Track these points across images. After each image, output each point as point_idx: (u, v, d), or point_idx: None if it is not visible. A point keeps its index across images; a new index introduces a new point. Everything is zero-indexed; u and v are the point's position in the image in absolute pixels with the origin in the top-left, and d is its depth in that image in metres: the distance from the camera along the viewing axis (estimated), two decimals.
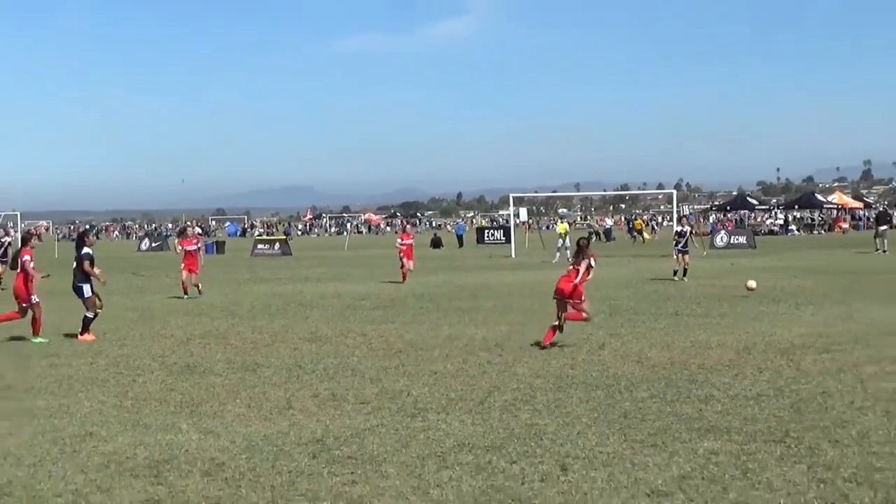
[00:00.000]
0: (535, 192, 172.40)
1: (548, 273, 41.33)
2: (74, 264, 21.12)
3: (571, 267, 19.31)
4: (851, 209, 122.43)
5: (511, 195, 76.32)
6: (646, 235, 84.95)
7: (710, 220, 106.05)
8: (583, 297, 18.92)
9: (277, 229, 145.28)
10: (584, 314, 18.83)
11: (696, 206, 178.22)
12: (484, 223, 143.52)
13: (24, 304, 20.91)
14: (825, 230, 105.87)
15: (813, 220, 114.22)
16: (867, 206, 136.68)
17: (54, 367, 17.20)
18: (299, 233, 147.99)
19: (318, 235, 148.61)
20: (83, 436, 11.76)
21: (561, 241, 52.77)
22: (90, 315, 21.05)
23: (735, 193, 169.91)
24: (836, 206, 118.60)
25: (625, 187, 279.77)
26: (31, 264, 20.97)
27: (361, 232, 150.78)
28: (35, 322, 20.82)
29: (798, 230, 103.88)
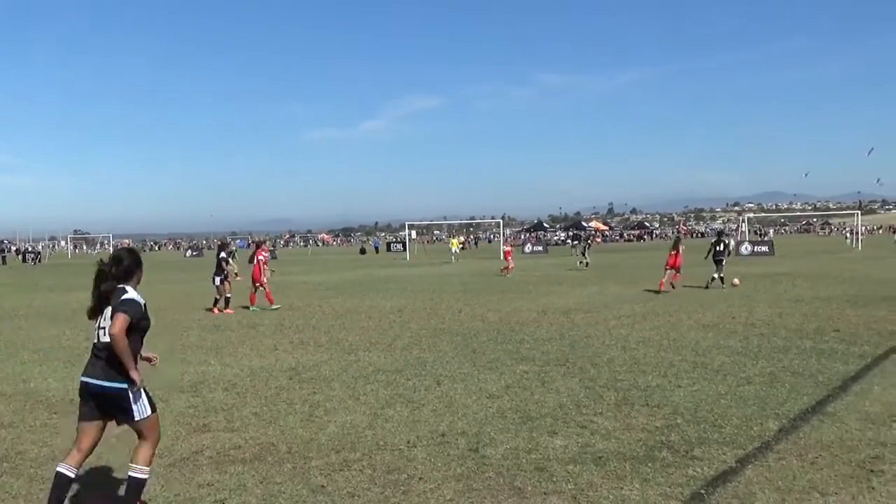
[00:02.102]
0: (421, 220, 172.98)
1: (430, 269, 41.31)
2: (216, 263, 20.36)
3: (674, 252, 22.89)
4: (602, 230, 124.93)
5: (407, 222, 76.57)
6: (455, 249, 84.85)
7: (522, 237, 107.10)
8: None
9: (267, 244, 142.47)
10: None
11: (513, 229, 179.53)
12: (390, 239, 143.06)
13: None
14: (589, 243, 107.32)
15: (581, 237, 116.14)
16: (611, 228, 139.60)
17: None
18: (281, 245, 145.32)
19: (292, 247, 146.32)
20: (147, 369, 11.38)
21: (455, 250, 54.91)
22: (219, 297, 19.86)
23: (536, 221, 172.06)
24: (593, 230, 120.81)
25: (472, 217, 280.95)
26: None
27: (318, 245, 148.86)
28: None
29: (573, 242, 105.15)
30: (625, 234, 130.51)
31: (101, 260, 5.62)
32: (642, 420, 7.80)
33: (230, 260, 21.22)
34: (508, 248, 36.49)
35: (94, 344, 5.48)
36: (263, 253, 21.33)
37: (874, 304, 17.25)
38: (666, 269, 23.15)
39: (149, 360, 5.76)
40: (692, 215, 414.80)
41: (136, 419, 5.43)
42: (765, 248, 49.54)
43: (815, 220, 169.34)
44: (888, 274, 27.25)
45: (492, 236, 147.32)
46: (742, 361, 10.74)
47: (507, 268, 33.47)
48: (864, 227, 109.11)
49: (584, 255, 39.64)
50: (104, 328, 5.43)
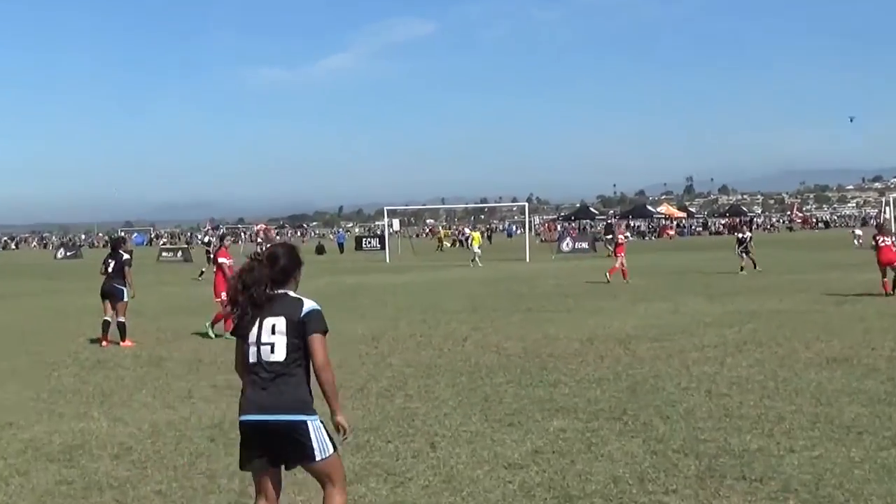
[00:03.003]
0: (406, 205, 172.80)
1: (417, 275, 41.39)
2: (109, 269, 19.60)
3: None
4: (677, 218, 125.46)
5: (386, 208, 76.58)
6: (445, 244, 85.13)
7: (558, 229, 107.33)
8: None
9: (180, 239, 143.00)
10: None
11: (544, 217, 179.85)
12: (362, 232, 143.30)
13: None
14: (655, 236, 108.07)
15: (644, 228, 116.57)
16: (690, 215, 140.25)
17: None
18: (199, 242, 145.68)
19: (217, 243, 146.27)
20: (3, 426, 11.40)
21: (477, 249, 52.66)
22: (123, 320, 19.32)
23: (578, 206, 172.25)
24: (664, 216, 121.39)
25: (483, 200, 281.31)
26: None
27: (255, 241, 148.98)
28: None
29: (631, 236, 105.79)
30: (711, 224, 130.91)
31: (251, 257, 6.32)
32: (737, 500, 7.81)
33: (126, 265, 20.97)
34: (621, 239, 37.57)
35: (254, 364, 6.14)
36: (223, 256, 21.10)
37: None
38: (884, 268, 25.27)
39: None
40: (811, 196, 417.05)
41: (318, 459, 6.05)
42: None
43: None
44: None
45: (513, 227, 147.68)
46: (887, 413, 10.75)
47: (619, 269, 34.34)
48: None
49: (612, 252, 41.38)
50: (272, 344, 6.08)
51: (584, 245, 69.01)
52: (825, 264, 40.62)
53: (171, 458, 9.73)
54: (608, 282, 32.95)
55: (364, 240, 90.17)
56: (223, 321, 19.81)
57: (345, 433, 6.27)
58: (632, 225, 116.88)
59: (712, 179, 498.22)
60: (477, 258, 50.28)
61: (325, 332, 6.14)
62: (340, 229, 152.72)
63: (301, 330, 6.10)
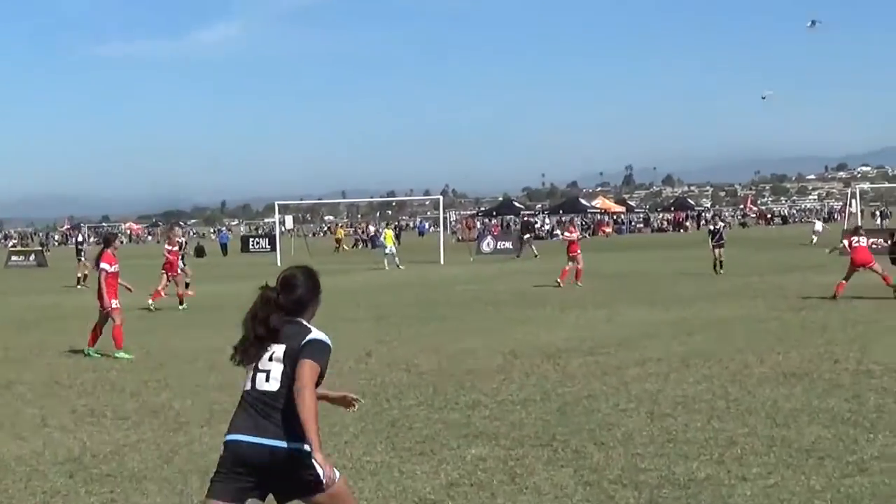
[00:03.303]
0: (301, 199, 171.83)
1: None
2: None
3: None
4: (614, 213, 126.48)
5: (276, 202, 75.83)
6: (344, 246, 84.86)
7: (478, 226, 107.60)
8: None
9: (33, 240, 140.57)
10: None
11: (462, 212, 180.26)
12: (249, 231, 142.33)
13: None
14: (589, 234, 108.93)
15: (577, 224, 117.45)
16: (629, 210, 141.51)
17: None
18: (56, 243, 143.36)
19: (78, 245, 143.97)
20: None
21: (392, 248, 52.23)
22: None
23: (501, 199, 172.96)
24: (599, 211, 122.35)
25: (391, 194, 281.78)
26: None
27: (124, 240, 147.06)
28: None
29: (563, 234, 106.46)
30: (654, 219, 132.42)
31: (267, 284, 6.66)
32: None
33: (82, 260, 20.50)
34: (574, 235, 37.60)
35: (248, 392, 6.51)
36: (106, 261, 20.53)
37: None
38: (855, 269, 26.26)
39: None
40: (767, 187, 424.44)
41: (326, 488, 6.26)
42: (882, 242, 50.54)
43: None
44: None
45: (426, 224, 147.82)
46: (851, 435, 10.95)
47: (572, 271, 34.80)
48: None
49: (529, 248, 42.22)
50: (267, 371, 6.42)
51: (508, 245, 69.17)
52: (782, 265, 41.32)
53: (21, 499, 9.58)
54: (559, 285, 33.38)
55: (251, 240, 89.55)
56: (91, 337, 19.63)
57: (323, 477, 6.22)
58: (563, 221, 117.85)
59: (655, 169, 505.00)
60: (396, 259, 50.18)
61: (317, 359, 6.32)
62: (223, 228, 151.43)
63: (297, 359, 6.33)
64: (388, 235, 55.62)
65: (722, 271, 37.11)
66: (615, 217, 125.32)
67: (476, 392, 14.21)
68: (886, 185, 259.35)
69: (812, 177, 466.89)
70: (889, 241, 27.74)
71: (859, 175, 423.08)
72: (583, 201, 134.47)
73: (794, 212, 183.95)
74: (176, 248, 32.31)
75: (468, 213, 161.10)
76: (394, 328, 22.47)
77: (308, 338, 6.40)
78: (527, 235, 65.94)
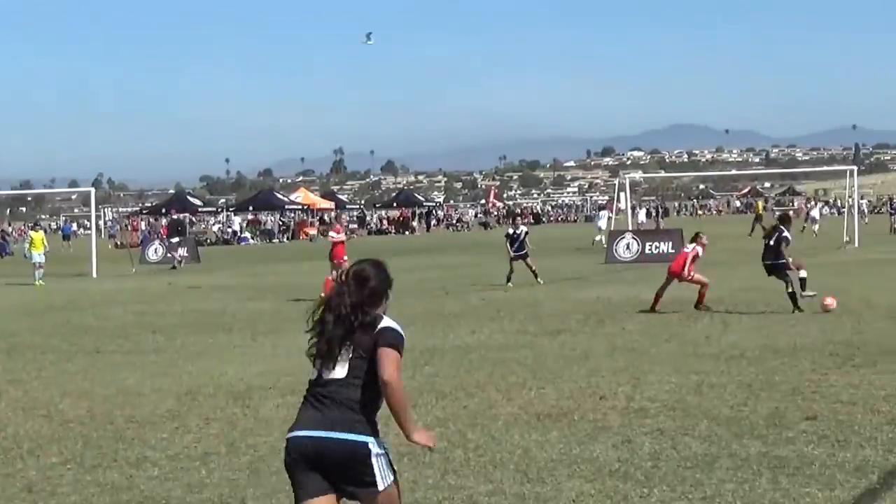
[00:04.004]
0: None
1: None
2: None
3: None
4: (321, 210, 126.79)
5: None
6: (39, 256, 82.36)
7: (142, 227, 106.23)
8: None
9: None
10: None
11: (121, 209, 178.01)
12: None
13: None
14: (288, 238, 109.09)
15: (272, 225, 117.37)
16: (341, 205, 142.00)
17: None
18: None
19: None
20: None
21: (39, 256, 51.17)
22: None
23: (173, 192, 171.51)
24: (300, 207, 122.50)
25: (27, 185, 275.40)
26: None
27: None
28: None
29: (254, 238, 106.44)
30: (372, 218, 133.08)
31: (339, 278, 8.16)
32: None
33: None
34: (341, 237, 38.07)
35: (315, 385, 7.83)
36: None
37: (876, 362, 18.83)
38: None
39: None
40: (515, 176, 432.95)
41: (380, 488, 7.59)
42: (663, 246, 52.36)
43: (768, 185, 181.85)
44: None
45: (72, 225, 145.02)
46: (621, 490, 11.31)
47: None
48: (865, 201, 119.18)
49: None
50: (338, 365, 7.74)
51: (183, 252, 68.69)
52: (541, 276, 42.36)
53: None
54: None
55: None
56: None
57: (430, 450, 8.57)
58: (260, 220, 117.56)
59: (372, 153, 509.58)
60: (38, 271, 49.34)
61: (398, 349, 7.70)
62: None
63: (369, 348, 7.70)
64: (35, 240, 54.15)
65: (541, 281, 38.26)
66: (321, 215, 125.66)
67: (141, 445, 14.12)
68: (663, 174, 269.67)
69: (571, 163, 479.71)
70: (766, 240, 28.63)
71: (629, 160, 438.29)
72: (279, 195, 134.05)
73: (550, 208, 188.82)
74: None
75: (130, 209, 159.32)
76: (31, 364, 22.06)
77: (381, 326, 7.76)
78: (175, 238, 65.04)
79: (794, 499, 10.67)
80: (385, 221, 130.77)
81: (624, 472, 11.98)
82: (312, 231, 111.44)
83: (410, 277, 39.39)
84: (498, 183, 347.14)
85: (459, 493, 11.32)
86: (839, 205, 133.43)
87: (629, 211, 72.87)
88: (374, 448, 7.51)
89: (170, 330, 27.68)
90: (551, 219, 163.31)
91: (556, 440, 13.68)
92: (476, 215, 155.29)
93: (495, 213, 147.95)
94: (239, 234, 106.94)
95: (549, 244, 64.04)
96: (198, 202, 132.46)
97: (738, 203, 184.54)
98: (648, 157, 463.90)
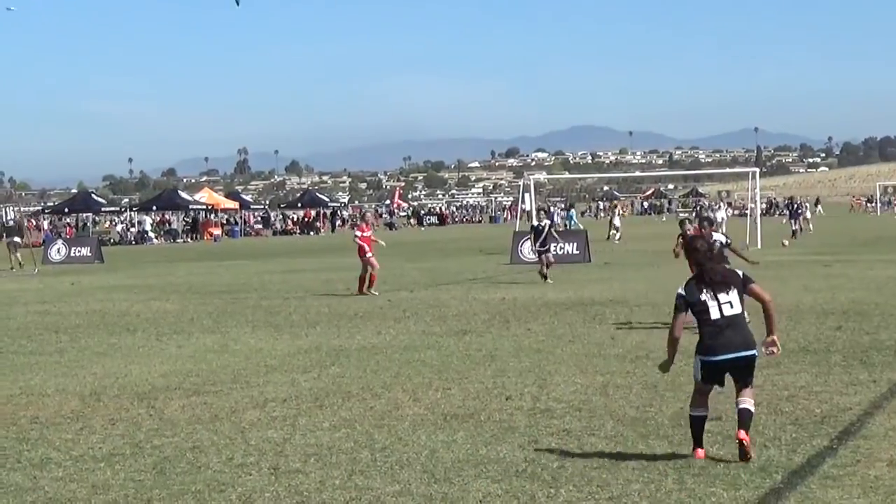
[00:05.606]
0: None
1: None
2: None
3: None
4: (226, 210, 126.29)
5: None
6: None
7: (45, 227, 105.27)
8: None
9: None
10: None
11: (23, 208, 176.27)
12: None
13: None
14: (193, 238, 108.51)
15: (176, 224, 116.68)
16: (244, 205, 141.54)
17: None
18: None
19: None
20: None
21: None
22: None
23: (76, 191, 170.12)
24: (204, 207, 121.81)
25: None
26: None
27: None
28: None
29: (158, 237, 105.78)
30: (276, 218, 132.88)
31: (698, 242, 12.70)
32: None
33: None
34: (370, 234, 37.87)
35: (714, 320, 12.26)
36: None
37: (779, 363, 19.06)
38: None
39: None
40: (420, 177, 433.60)
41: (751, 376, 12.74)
42: (568, 247, 52.70)
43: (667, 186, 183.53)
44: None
45: None
46: (528, 490, 11.31)
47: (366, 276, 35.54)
48: (763, 202, 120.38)
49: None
50: (729, 302, 12.28)
51: (86, 251, 68.12)
52: (444, 277, 42.37)
53: None
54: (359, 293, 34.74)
55: None
56: None
57: (776, 347, 12.65)
58: (167, 220, 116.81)
59: (277, 153, 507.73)
60: None
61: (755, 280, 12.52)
62: None
63: (741, 287, 12.37)
64: None
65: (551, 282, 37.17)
66: (227, 216, 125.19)
67: (45, 446, 13.94)
68: (567, 175, 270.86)
69: (476, 164, 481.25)
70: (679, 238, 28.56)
71: (534, 163, 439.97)
72: (183, 195, 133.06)
73: (455, 209, 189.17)
74: None
75: (32, 209, 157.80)
76: None
77: (740, 273, 12.70)
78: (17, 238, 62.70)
79: (700, 498, 10.73)
80: (290, 222, 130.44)
81: (531, 473, 12.01)
82: (217, 231, 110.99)
83: (316, 278, 39.23)
84: (403, 184, 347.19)
85: (366, 493, 11.28)
86: (742, 206, 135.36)
87: (534, 212, 73.14)
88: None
89: (73, 330, 27.44)
90: (456, 220, 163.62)
91: (463, 441, 13.68)
92: (381, 215, 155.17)
93: (401, 213, 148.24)
94: (148, 234, 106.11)
95: (455, 245, 64.07)
96: (102, 201, 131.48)
97: (644, 204, 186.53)
98: (553, 158, 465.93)
